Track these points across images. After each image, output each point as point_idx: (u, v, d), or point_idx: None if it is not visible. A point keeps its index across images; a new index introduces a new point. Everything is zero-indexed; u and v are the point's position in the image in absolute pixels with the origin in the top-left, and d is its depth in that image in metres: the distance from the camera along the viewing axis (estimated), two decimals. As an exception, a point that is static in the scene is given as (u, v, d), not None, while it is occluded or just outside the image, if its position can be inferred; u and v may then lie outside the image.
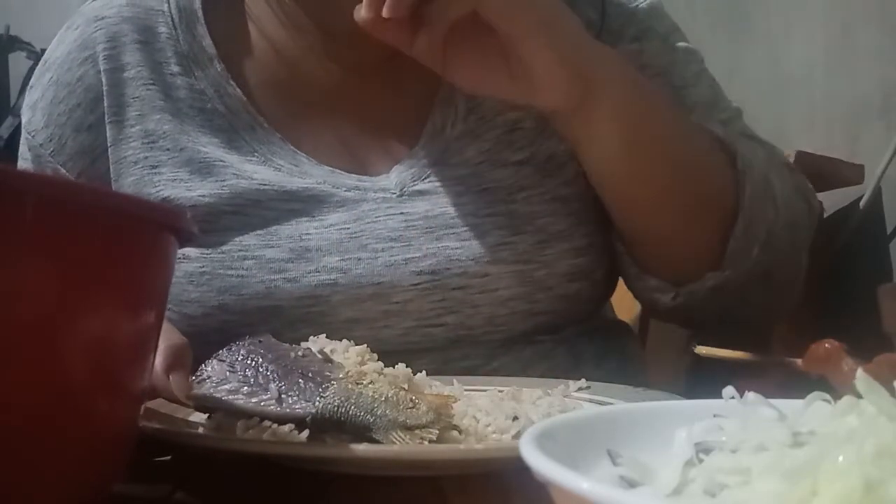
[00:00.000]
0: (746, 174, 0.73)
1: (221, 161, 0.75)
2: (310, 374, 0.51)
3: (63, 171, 0.79)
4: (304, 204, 0.74)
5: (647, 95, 0.73)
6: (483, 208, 0.74)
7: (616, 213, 0.75)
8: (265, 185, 0.74)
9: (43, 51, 0.88)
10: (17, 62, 3.24)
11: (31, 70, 3.42)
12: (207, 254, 0.73)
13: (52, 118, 0.79)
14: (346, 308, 0.71)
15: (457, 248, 0.73)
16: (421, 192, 0.75)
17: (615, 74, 0.69)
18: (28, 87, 0.84)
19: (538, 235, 0.74)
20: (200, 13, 0.80)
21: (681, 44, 0.83)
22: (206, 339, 0.69)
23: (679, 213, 0.73)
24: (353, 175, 0.76)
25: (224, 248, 0.73)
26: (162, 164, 0.76)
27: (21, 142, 0.83)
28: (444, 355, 0.73)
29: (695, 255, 0.74)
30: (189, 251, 0.73)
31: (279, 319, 0.71)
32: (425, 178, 0.76)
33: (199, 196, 0.74)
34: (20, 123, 0.85)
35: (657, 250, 0.76)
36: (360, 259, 0.72)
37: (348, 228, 0.73)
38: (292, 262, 0.72)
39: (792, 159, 1.37)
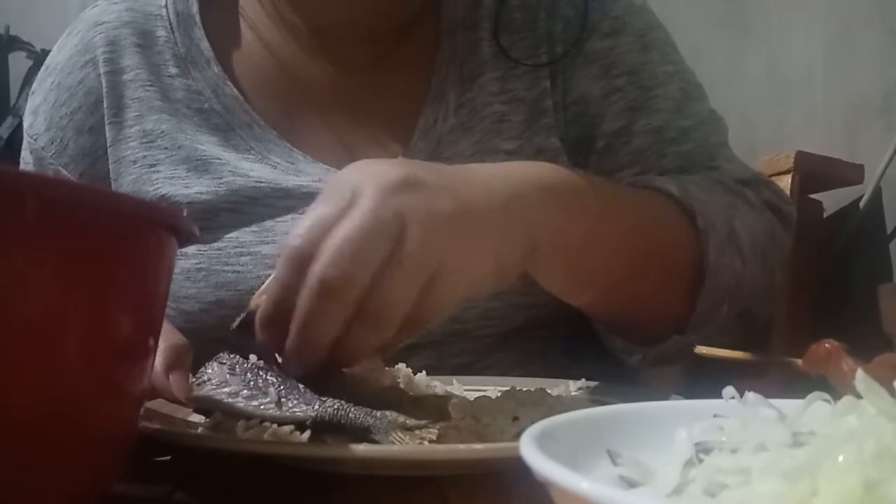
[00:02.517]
0: (709, 233, 0.69)
1: (218, 159, 0.76)
2: (309, 379, 0.51)
3: (65, 172, 0.80)
4: (299, 201, 0.74)
5: (590, 220, 0.62)
6: None
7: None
8: (261, 182, 0.75)
9: (43, 50, 0.89)
10: (17, 62, 3.23)
11: (31, 70, 3.41)
12: (204, 250, 0.73)
13: (53, 121, 0.80)
14: None
15: None
16: None
17: (546, 230, 0.58)
18: (30, 93, 0.86)
19: None
20: (198, 17, 0.81)
21: (658, 43, 0.81)
22: (204, 336, 0.69)
23: (641, 295, 0.69)
24: None
25: (221, 244, 0.73)
26: (160, 163, 0.77)
27: (23, 147, 0.84)
28: (440, 351, 0.74)
29: (661, 320, 0.71)
30: (186, 248, 0.73)
31: None
32: None
33: (197, 193, 0.75)
34: (20, 123, 0.87)
35: (622, 324, 0.73)
36: None
37: None
38: None
39: (792, 159, 1.37)
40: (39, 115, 0.82)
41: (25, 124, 0.84)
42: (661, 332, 0.71)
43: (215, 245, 0.73)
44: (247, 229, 0.74)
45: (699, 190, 0.72)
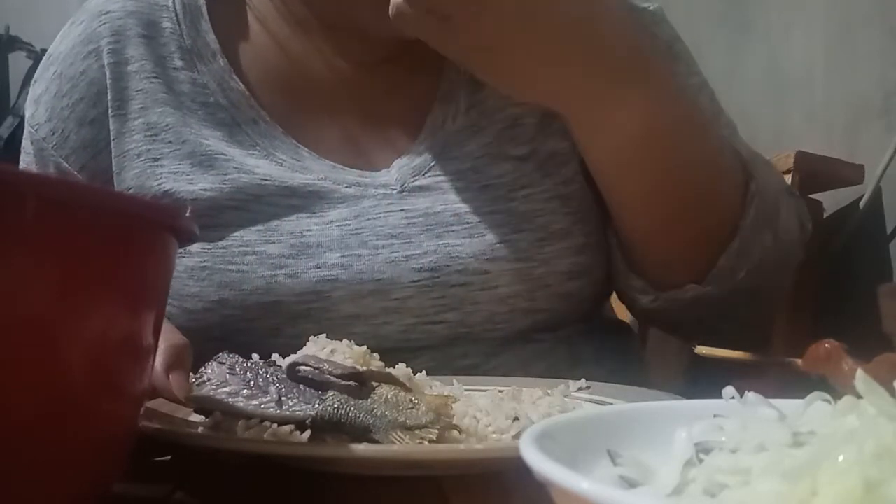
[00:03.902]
0: (754, 200, 0.73)
1: (223, 154, 0.75)
2: (309, 378, 0.51)
3: (65, 164, 0.79)
4: (304, 200, 0.74)
5: (676, 116, 0.71)
6: (483, 206, 0.74)
7: (609, 199, 0.75)
8: (266, 179, 0.74)
9: (43, 50, 0.88)
10: (17, 62, 3.24)
11: (31, 70, 3.40)
12: (208, 249, 0.73)
13: (55, 112, 0.79)
14: (346, 304, 0.72)
15: (457, 246, 0.73)
16: (422, 188, 0.75)
17: (640, 95, 0.68)
18: (32, 82, 0.84)
19: (538, 233, 0.74)
20: (204, 9, 0.80)
21: (684, 54, 0.83)
22: (207, 335, 0.69)
23: (677, 220, 0.73)
24: (355, 171, 0.77)
25: (225, 243, 0.73)
26: (164, 157, 0.76)
27: (24, 136, 0.83)
28: (444, 353, 0.73)
29: (682, 263, 0.74)
30: (190, 246, 0.73)
31: (280, 315, 0.71)
32: (426, 173, 0.76)
33: (201, 190, 0.74)
34: (20, 123, 0.86)
35: (645, 249, 0.75)
36: (360, 256, 0.72)
37: (349, 225, 0.74)
38: (293, 257, 0.72)
39: (792, 159, 1.37)
40: (41, 106, 0.81)
41: (27, 114, 0.82)
42: (677, 278, 0.73)
43: (220, 244, 0.73)
44: (251, 228, 0.73)
45: (764, 167, 0.77)
